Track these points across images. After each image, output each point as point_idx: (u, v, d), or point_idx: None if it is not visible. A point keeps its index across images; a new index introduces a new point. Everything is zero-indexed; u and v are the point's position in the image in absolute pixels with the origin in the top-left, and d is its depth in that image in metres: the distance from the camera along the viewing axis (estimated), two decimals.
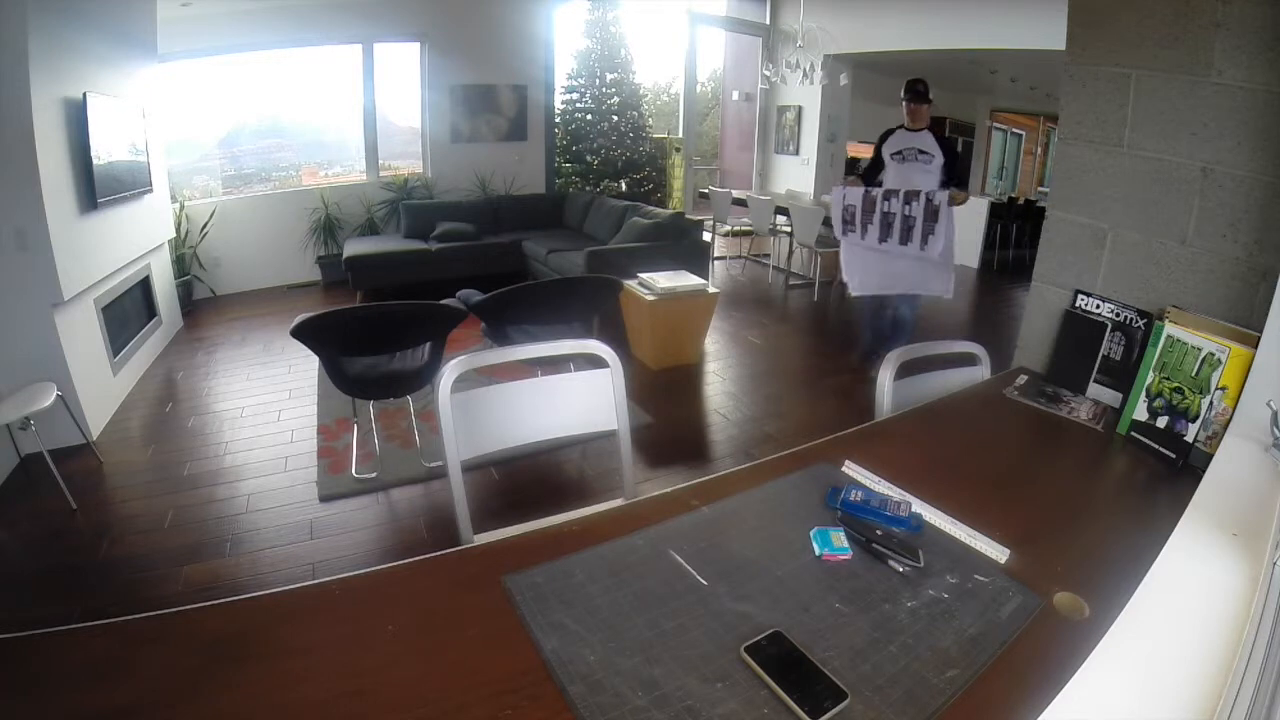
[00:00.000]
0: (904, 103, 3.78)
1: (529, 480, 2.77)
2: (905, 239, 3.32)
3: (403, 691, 0.73)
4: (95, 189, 3.29)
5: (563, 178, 9.63)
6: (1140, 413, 1.33)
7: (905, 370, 1.53)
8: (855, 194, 3.49)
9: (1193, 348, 1.26)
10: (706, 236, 6.15)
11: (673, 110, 14.32)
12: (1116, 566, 0.88)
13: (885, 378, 1.50)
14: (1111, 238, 1.56)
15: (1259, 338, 1.15)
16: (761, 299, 5.99)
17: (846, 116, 8.17)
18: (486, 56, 6.36)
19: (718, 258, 7.07)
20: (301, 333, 2.52)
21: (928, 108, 3.72)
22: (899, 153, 3.73)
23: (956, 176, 3.72)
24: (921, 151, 3.66)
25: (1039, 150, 12.35)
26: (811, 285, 5.98)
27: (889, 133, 3.85)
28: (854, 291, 3.71)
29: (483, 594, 0.88)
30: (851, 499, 1.06)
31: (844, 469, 1.20)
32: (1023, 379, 1.62)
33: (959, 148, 3.92)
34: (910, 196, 3.34)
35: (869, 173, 3.86)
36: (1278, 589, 0.74)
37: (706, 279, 4.55)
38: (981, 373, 1.65)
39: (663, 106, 16.02)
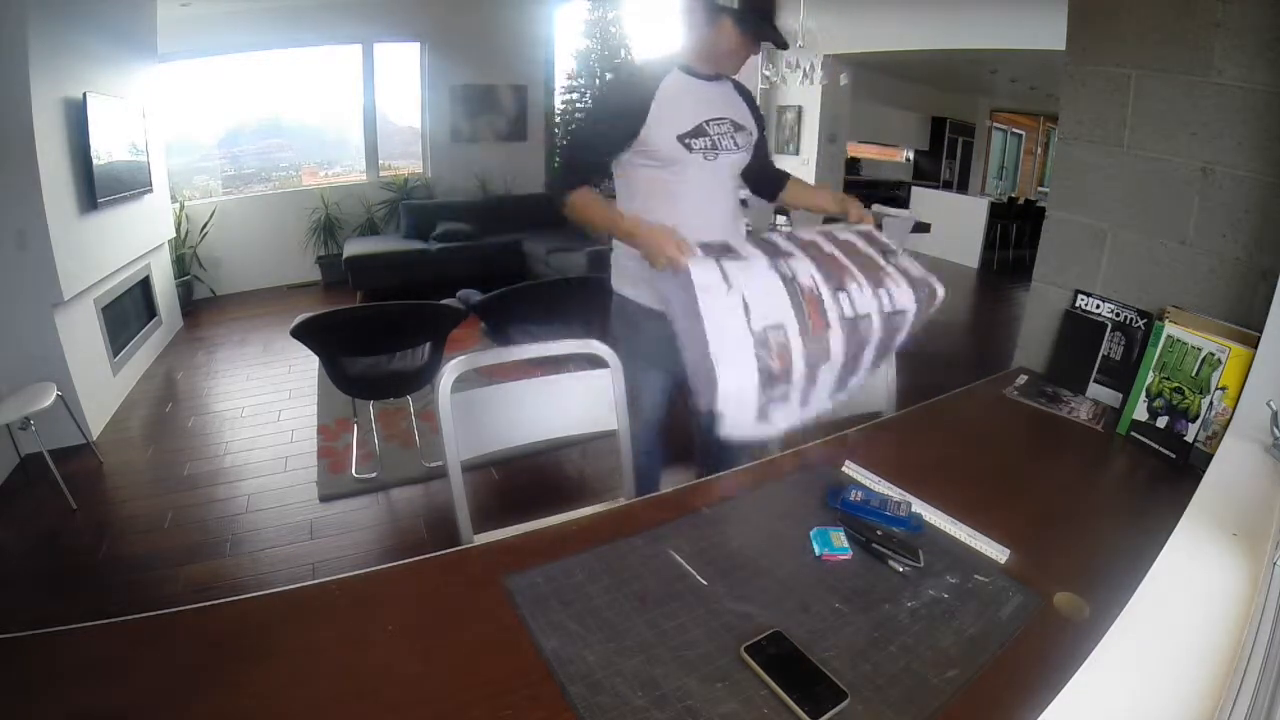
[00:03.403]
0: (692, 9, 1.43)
1: (529, 480, 2.77)
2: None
3: (403, 691, 0.73)
4: (95, 189, 3.29)
5: None
6: (1140, 413, 1.33)
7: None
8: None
9: (1193, 348, 1.26)
10: None
11: None
12: (1116, 566, 0.88)
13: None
14: (1111, 238, 1.56)
15: (1259, 338, 1.15)
16: None
17: (846, 117, 8.16)
18: (486, 56, 6.35)
19: None
20: (301, 333, 2.52)
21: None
22: (700, 132, 1.45)
23: (768, 158, 1.69)
24: (738, 126, 1.52)
25: (1039, 150, 12.37)
26: None
27: (649, 78, 1.45)
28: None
29: (483, 594, 0.88)
30: (851, 499, 1.06)
31: (844, 469, 1.20)
32: (1023, 379, 1.62)
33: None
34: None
35: (586, 171, 1.49)
36: (1278, 589, 0.74)
37: None
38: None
39: None
